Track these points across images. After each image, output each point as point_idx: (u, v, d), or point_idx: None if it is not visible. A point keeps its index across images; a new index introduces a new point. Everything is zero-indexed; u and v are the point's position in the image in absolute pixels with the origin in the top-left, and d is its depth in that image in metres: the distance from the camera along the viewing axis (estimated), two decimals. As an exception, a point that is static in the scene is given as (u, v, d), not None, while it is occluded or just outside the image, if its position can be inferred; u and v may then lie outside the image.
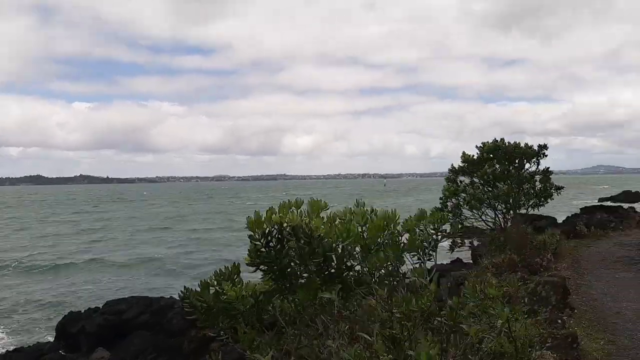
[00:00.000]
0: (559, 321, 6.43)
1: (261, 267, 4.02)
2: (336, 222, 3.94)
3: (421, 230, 4.43)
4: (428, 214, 4.27)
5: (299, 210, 3.81)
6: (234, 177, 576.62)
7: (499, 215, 13.62)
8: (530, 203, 14.44)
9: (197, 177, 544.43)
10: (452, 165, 14.42)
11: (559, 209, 44.24)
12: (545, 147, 14.57)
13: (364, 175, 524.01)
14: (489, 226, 13.83)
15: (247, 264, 4.00)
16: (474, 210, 13.19)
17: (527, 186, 13.73)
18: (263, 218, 3.75)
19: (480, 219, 13.68)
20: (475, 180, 13.70)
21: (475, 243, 14.41)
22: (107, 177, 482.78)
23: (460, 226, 14.72)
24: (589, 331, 6.43)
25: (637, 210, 28.99)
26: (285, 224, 3.79)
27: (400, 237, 4.30)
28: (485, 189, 13.16)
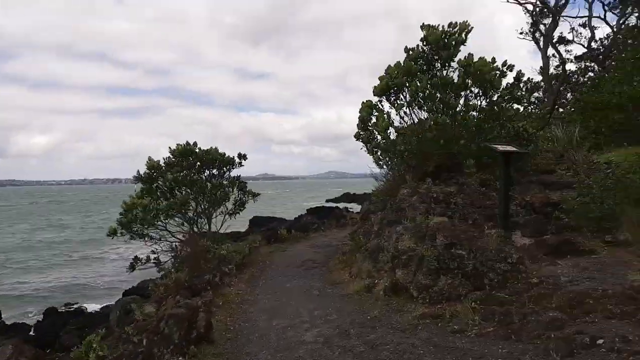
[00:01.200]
0: (167, 370, 5.10)
1: None
2: None
3: None
4: None
5: None
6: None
7: (187, 227, 12.32)
8: (229, 210, 13.68)
9: None
10: (137, 171, 12.49)
11: (296, 210, 47.48)
12: (244, 156, 14.00)
13: (114, 181, 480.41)
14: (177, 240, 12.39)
15: None
16: (152, 225, 11.48)
17: (216, 193, 12.79)
18: None
19: (164, 233, 12.10)
20: (160, 186, 12.09)
21: (164, 258, 12.85)
22: None
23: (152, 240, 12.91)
24: (205, 375, 5.28)
25: (350, 209, 32.88)
26: None
27: None
28: (168, 196, 11.65)
